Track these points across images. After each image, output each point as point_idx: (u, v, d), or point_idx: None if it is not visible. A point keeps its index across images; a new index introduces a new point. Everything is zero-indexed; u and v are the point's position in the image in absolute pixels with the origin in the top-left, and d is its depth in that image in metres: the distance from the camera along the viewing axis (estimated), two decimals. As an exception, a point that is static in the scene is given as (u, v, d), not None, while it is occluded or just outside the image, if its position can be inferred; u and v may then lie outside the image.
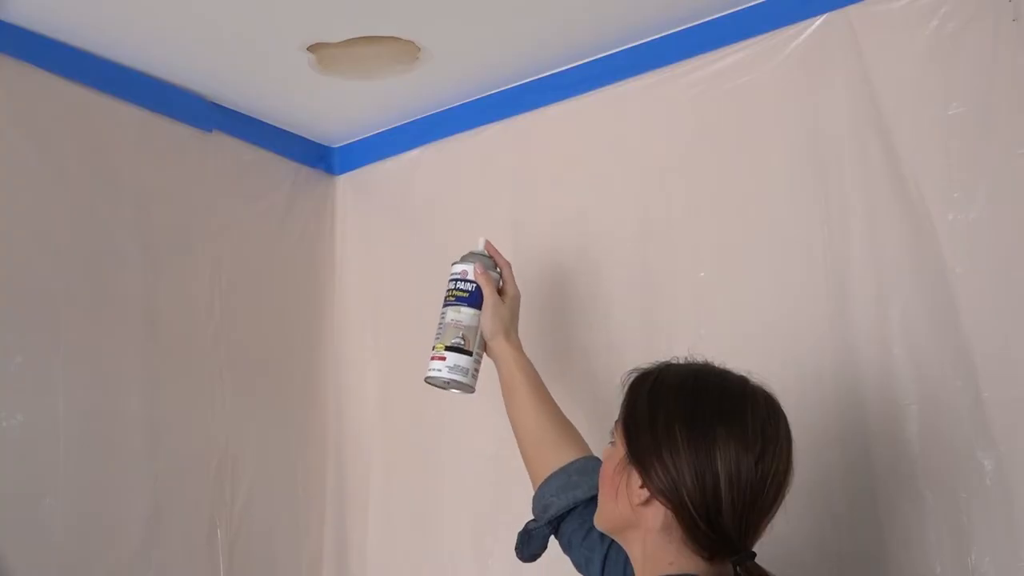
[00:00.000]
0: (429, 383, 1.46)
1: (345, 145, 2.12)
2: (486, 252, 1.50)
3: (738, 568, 1.01)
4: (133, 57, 1.72)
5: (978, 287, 1.38)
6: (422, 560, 1.87)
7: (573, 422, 1.40)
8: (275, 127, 2.01)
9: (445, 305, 1.46)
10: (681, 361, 1.11)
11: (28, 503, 1.49)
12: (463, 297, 1.44)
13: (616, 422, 1.11)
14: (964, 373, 1.37)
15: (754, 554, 1.03)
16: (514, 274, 1.50)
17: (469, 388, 1.44)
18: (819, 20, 1.57)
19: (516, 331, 1.46)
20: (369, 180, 2.10)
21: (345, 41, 1.69)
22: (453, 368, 1.42)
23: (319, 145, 2.11)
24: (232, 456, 1.81)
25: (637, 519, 1.06)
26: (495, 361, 1.45)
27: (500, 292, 1.47)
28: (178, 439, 1.72)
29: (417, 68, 1.79)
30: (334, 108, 1.97)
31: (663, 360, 1.12)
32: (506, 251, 1.50)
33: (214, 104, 1.88)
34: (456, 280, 1.46)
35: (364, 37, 1.68)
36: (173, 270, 1.76)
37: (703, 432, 1.02)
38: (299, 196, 2.05)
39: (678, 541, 1.03)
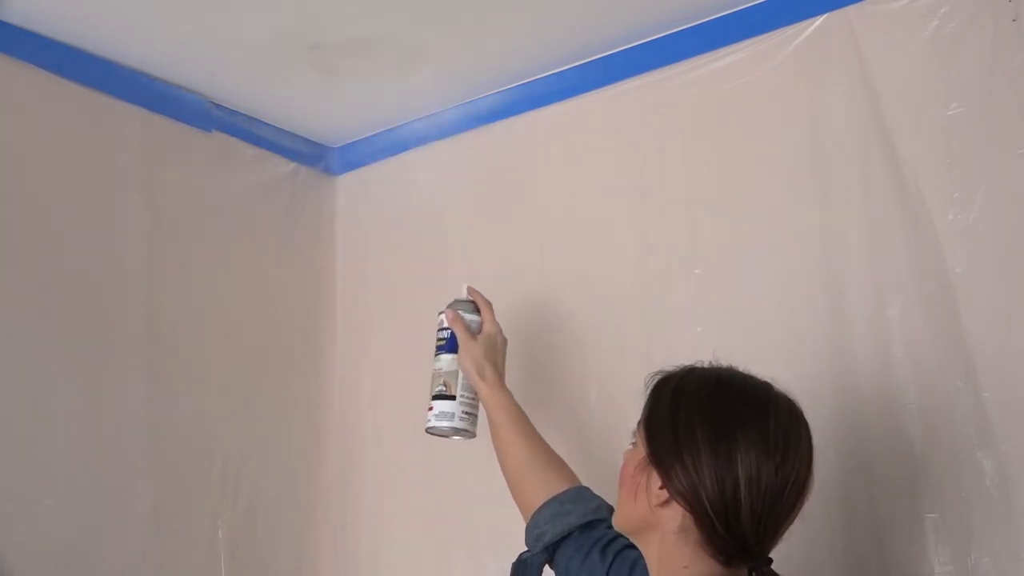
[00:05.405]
0: (430, 433, 1.50)
1: (345, 145, 2.12)
2: (468, 297, 1.52)
3: (753, 574, 1.02)
4: (133, 57, 1.72)
5: (978, 287, 1.37)
6: (422, 561, 1.87)
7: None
8: (275, 127, 2.01)
9: (434, 356, 1.50)
10: (705, 365, 1.11)
11: (28, 503, 1.49)
12: (442, 345, 1.49)
13: (638, 423, 1.12)
14: (964, 373, 1.36)
15: (770, 560, 1.03)
16: (494, 310, 1.50)
17: (465, 432, 1.47)
18: (819, 20, 1.56)
19: (495, 367, 1.45)
20: (369, 180, 2.10)
21: (345, 41, 1.69)
22: (439, 415, 1.46)
23: (319, 145, 2.11)
24: (234, 457, 1.81)
25: (655, 520, 1.06)
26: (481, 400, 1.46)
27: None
28: (179, 440, 1.72)
29: (416, 69, 1.79)
30: (334, 108, 1.97)
31: (687, 364, 1.11)
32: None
33: (214, 104, 1.88)
34: (438, 330, 1.51)
35: (364, 37, 1.68)
36: (173, 270, 1.76)
37: (725, 436, 1.02)
38: (299, 196, 2.05)
39: (694, 544, 1.03)
